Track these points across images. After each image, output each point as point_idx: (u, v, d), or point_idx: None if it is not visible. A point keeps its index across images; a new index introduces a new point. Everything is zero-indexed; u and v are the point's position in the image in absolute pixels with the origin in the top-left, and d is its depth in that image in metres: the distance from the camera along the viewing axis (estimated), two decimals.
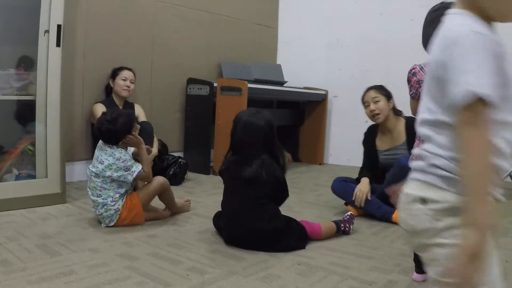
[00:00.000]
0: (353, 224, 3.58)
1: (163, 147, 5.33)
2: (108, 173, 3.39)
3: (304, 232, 3.21)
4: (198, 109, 5.99)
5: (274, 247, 3.06)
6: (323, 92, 7.03)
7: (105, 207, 3.40)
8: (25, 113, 4.10)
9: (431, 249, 1.33)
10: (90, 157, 4.72)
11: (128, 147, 3.62)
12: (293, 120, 7.16)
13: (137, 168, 3.47)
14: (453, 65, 1.20)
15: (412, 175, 1.39)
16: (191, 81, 6.08)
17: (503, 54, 1.23)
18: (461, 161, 1.23)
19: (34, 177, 4.00)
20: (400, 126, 4.08)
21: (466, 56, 1.18)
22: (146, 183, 3.71)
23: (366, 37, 6.77)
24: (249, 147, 3.16)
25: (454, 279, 1.20)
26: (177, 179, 5.13)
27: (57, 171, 4.02)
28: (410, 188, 1.38)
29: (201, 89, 5.94)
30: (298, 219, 3.29)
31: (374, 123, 4.14)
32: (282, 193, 3.24)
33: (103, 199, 3.40)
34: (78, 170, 5.05)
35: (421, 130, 1.37)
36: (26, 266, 2.62)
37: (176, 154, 5.49)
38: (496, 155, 1.24)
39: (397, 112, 4.11)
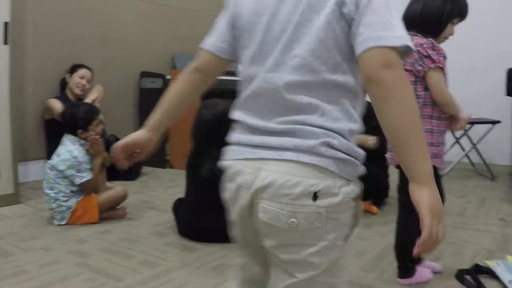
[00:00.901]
0: None
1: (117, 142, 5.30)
2: (61, 167, 3.40)
3: None
4: (152, 103, 5.79)
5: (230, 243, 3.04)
6: None
7: (57, 202, 3.40)
8: None
9: (310, 252, 1.14)
10: (45, 156, 4.68)
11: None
12: None
13: (88, 176, 3.48)
14: (376, 6, 1.07)
15: (293, 155, 1.11)
16: (144, 74, 6.05)
17: None
18: (385, 112, 1.05)
19: None
20: None
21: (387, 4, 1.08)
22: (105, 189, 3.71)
23: None
24: (198, 141, 3.15)
25: (429, 249, 1.07)
26: (132, 174, 5.09)
27: (9, 171, 3.97)
28: (294, 175, 1.10)
29: (154, 82, 5.92)
30: None
31: None
32: None
33: (54, 193, 3.41)
34: (33, 170, 4.96)
35: (296, 97, 1.13)
36: None
37: None
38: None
39: None
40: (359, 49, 1.06)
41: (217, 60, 1.36)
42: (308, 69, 1.12)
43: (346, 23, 1.10)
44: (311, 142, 1.09)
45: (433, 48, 2.23)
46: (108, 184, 3.86)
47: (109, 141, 5.03)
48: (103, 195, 3.59)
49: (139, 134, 1.44)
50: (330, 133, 1.10)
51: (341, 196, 1.11)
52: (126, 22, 6.00)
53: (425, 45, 2.23)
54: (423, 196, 1.04)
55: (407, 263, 2.45)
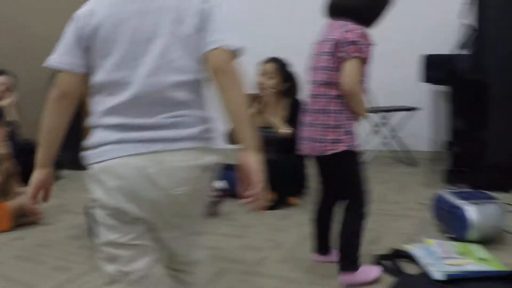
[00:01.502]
0: (221, 204, 3.51)
1: (33, 146, 5.13)
2: None
3: None
4: None
5: None
6: None
7: None
8: None
9: (203, 208, 1.51)
10: None
11: None
12: None
13: None
14: (219, 18, 1.41)
15: (186, 143, 1.36)
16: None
17: None
18: (231, 96, 1.35)
19: None
20: (282, 107, 3.90)
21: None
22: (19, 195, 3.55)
23: None
24: None
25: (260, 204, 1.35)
26: None
27: None
28: (191, 159, 1.36)
29: None
30: None
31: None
32: None
33: None
34: None
35: (177, 95, 1.37)
36: None
37: None
38: None
39: (287, 94, 3.90)
40: (209, 47, 1.37)
41: (78, 78, 1.44)
42: (183, 70, 1.37)
43: (199, 31, 1.39)
44: (196, 130, 1.37)
45: (363, 35, 2.19)
46: (22, 189, 3.71)
47: (28, 144, 4.90)
48: (14, 202, 3.44)
49: (39, 176, 1.54)
50: (205, 120, 1.40)
51: (216, 164, 1.43)
52: (43, 21, 5.81)
53: (355, 31, 2.18)
54: (255, 158, 1.33)
55: (348, 259, 2.35)
